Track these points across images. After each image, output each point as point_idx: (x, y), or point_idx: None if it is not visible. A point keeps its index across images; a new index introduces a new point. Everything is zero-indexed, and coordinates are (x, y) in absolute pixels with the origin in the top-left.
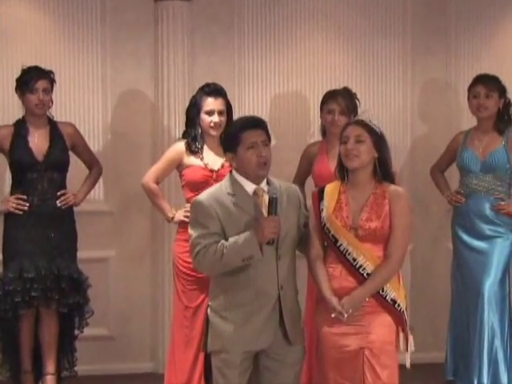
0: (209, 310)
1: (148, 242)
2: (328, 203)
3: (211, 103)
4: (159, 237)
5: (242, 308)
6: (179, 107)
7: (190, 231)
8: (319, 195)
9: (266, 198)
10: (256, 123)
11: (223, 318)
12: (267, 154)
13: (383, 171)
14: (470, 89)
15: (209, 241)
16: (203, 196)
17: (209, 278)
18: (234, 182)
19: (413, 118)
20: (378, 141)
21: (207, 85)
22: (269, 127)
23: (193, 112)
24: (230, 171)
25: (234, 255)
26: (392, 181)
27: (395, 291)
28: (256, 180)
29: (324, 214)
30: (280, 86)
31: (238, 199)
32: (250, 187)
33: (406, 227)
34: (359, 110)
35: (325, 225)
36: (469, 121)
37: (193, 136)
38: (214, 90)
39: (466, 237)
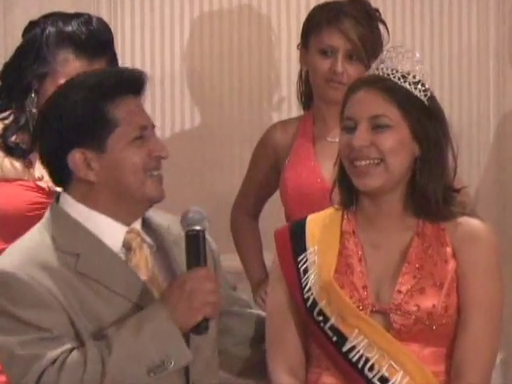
0: None
1: None
2: (320, 256)
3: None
4: None
5: None
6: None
7: None
8: (293, 238)
9: (147, 252)
10: (135, 82)
11: None
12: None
13: (432, 187)
14: None
15: (58, 350)
16: (10, 263)
17: None
18: (71, 224)
19: (502, 74)
20: (424, 121)
21: None
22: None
23: (14, 73)
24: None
25: (128, 364)
26: (455, 207)
27: None
28: (131, 213)
29: (311, 280)
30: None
31: (87, 262)
32: (114, 232)
33: (495, 308)
34: (385, 48)
35: (314, 305)
36: None
37: (14, 119)
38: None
39: None
